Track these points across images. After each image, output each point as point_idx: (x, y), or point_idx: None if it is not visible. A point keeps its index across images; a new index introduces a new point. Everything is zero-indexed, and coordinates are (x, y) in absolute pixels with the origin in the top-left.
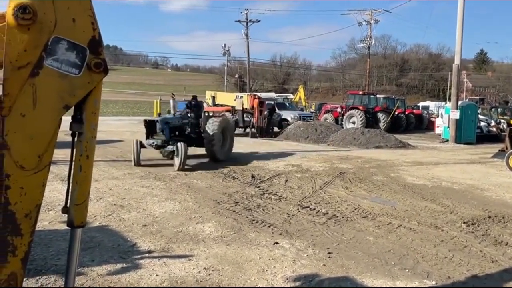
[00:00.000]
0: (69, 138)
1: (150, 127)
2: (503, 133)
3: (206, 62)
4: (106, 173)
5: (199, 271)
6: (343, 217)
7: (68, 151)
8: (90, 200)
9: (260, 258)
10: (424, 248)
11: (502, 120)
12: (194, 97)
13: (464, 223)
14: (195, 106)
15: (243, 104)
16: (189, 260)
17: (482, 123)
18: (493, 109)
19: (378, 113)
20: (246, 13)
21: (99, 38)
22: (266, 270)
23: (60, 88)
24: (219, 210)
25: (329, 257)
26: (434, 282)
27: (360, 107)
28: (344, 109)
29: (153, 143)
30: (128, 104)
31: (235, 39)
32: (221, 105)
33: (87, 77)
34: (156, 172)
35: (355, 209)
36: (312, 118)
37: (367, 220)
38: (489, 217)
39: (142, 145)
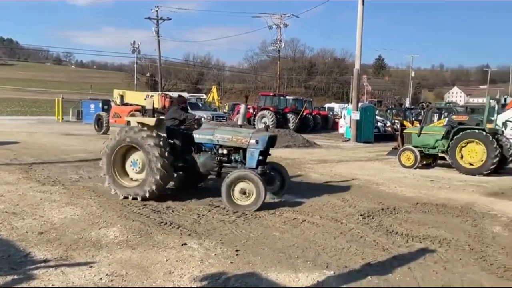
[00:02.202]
0: None
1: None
2: (397, 133)
3: (115, 59)
4: None
5: (101, 278)
6: (251, 215)
7: None
8: None
9: (167, 260)
10: (325, 241)
11: (396, 121)
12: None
13: (361, 215)
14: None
15: (153, 104)
16: (90, 267)
17: (379, 124)
18: (388, 111)
19: (288, 114)
20: (157, 11)
21: None
22: (173, 272)
23: None
24: (126, 214)
25: (237, 255)
26: (332, 272)
27: (271, 108)
28: (256, 110)
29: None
30: (25, 102)
31: (146, 36)
32: (130, 105)
33: None
34: (56, 176)
35: (263, 206)
36: (225, 118)
37: (274, 216)
38: (382, 209)
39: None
